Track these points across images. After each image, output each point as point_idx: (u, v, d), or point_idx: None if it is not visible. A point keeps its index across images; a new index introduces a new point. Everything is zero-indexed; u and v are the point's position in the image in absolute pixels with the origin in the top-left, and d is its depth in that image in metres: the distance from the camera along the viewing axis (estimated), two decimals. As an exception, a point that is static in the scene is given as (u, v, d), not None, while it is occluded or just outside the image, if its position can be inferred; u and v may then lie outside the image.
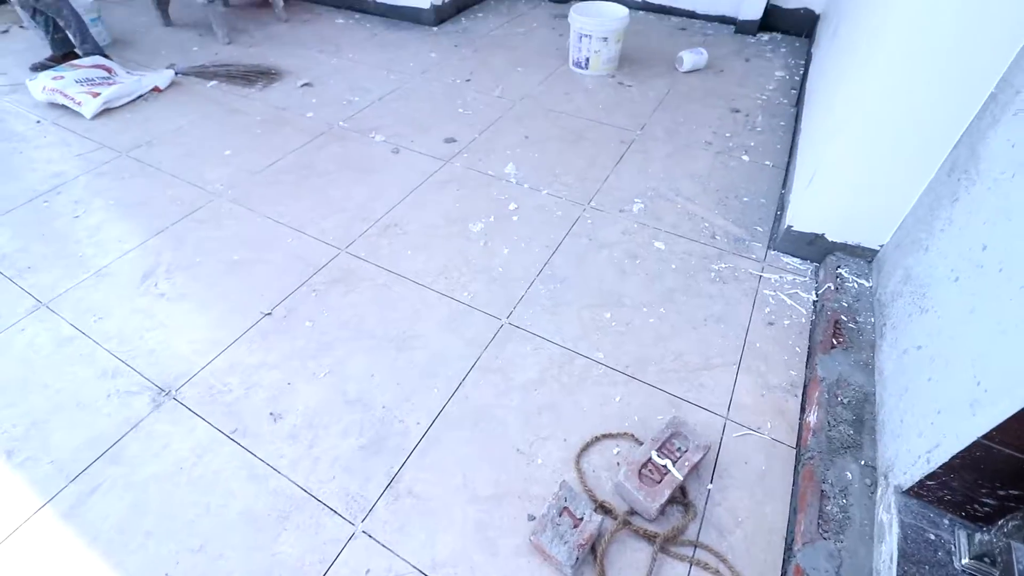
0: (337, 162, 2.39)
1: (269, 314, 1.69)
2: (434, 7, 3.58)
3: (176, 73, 3.08)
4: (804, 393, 1.48)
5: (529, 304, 1.72)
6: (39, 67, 3.19)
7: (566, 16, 3.37)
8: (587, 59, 2.99)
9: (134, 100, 2.90)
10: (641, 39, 3.43)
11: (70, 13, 3.03)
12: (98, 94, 2.78)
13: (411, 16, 3.69)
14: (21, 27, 3.80)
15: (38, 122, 2.75)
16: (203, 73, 3.11)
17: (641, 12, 3.84)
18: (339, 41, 3.51)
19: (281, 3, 3.72)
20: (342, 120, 2.69)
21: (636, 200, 2.15)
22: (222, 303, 1.75)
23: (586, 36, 2.89)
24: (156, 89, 2.96)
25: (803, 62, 3.18)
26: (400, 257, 1.90)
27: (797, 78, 3.02)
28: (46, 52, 3.28)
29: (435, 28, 3.64)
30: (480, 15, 3.86)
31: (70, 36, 3.09)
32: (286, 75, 3.11)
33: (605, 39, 2.88)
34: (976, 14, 1.24)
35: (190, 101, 2.89)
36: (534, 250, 1.92)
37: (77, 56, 3.16)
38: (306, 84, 3.01)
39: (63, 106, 2.81)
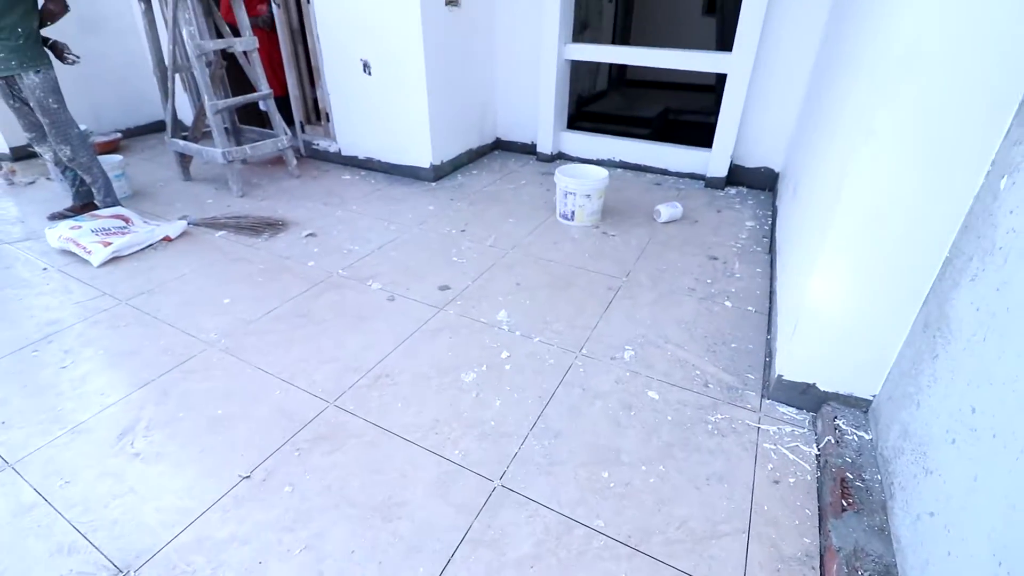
0: (333, 310, 2.46)
1: (247, 477, 1.60)
2: (433, 166, 3.97)
3: (188, 223, 3.28)
4: (822, 565, 1.37)
5: (523, 463, 1.65)
6: (57, 216, 3.39)
7: (552, 173, 3.73)
8: (572, 212, 3.25)
9: (143, 249, 3.05)
10: (621, 194, 3.77)
11: (99, 171, 3.30)
12: (109, 243, 2.93)
13: (412, 173, 4.08)
14: (48, 179, 4.12)
15: (44, 269, 2.84)
16: (214, 224, 3.32)
17: (619, 170, 4.27)
18: (344, 195, 3.82)
19: (294, 161, 4.11)
20: (341, 268, 2.82)
21: (627, 347, 2.19)
22: (199, 464, 1.66)
23: (571, 193, 3.18)
24: (167, 239, 3.13)
25: (770, 213, 3.48)
26: (390, 410, 1.86)
27: (766, 227, 3.27)
28: (67, 203, 3.51)
29: (433, 184, 3.99)
30: (475, 172, 4.27)
31: (94, 191, 3.34)
32: (292, 226, 3.32)
33: (588, 196, 3.17)
34: (928, 187, 1.39)
35: (197, 250, 3.04)
36: (527, 401, 1.90)
37: (96, 207, 3.39)
38: (310, 234, 3.20)
39: (74, 254, 2.94)
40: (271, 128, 4.10)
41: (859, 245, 1.54)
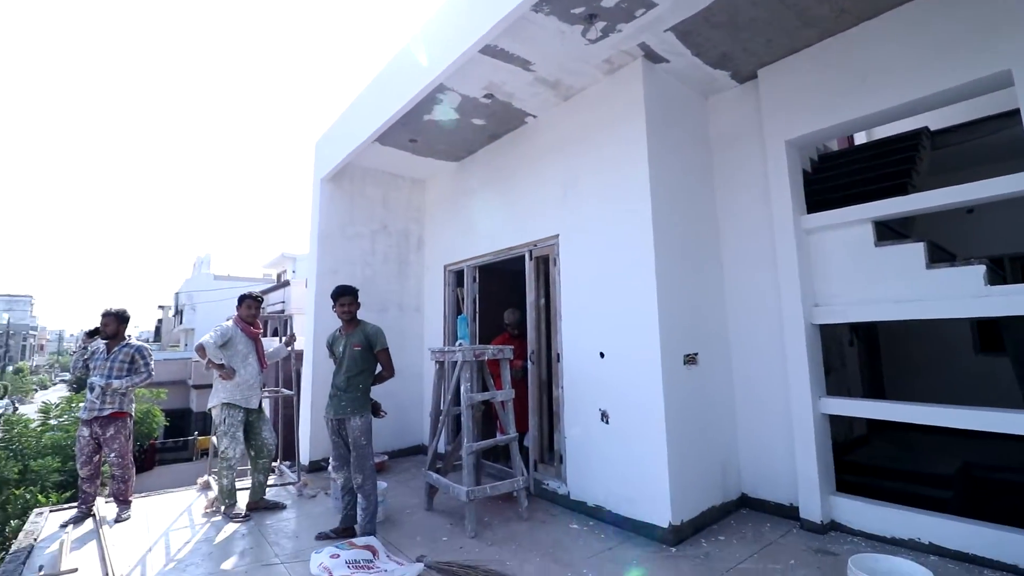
0: None
1: None
2: (672, 526, 3.51)
3: (424, 566, 3.28)
4: None
5: None
6: (323, 537, 3.76)
7: (829, 551, 2.92)
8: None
9: (381, 590, 3.05)
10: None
11: (375, 499, 3.73)
12: (354, 582, 3.02)
13: (646, 532, 3.64)
14: (326, 494, 4.79)
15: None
16: (447, 570, 3.25)
17: (934, 557, 3.17)
18: (573, 550, 3.50)
19: (525, 502, 4.12)
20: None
21: None
22: None
23: (881, 603, 2.35)
24: (403, 582, 3.12)
25: None
26: None
27: None
28: (334, 523, 3.92)
29: (673, 549, 3.45)
30: (721, 538, 3.62)
31: (360, 515, 3.71)
32: (520, 585, 3.05)
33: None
34: None
35: (427, 603, 2.91)
36: None
37: (354, 533, 3.70)
38: (538, 602, 2.86)
39: (325, 584, 3.07)
40: (509, 461, 4.32)
41: None
